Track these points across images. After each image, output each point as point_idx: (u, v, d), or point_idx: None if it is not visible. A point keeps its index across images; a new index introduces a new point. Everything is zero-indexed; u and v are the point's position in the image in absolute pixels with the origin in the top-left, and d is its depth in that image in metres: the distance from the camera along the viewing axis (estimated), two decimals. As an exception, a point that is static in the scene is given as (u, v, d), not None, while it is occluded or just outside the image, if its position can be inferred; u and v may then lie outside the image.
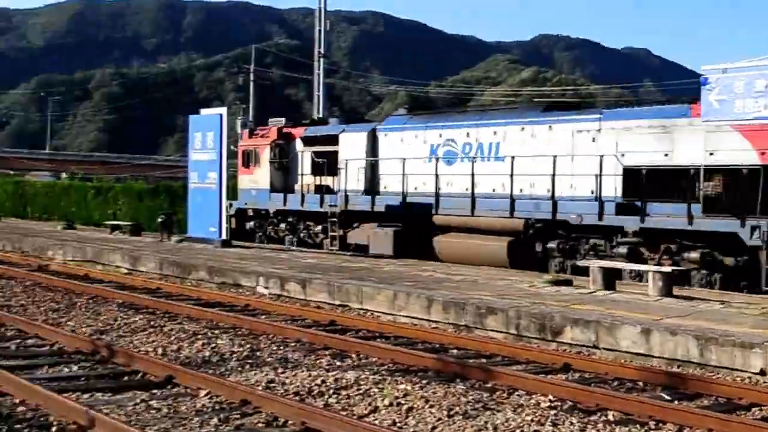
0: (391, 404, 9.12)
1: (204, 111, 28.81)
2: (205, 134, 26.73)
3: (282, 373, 10.55)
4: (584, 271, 18.36)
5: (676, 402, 9.53)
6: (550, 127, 22.21)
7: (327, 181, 28.54)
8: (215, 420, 8.33)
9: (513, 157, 22.32)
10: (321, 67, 45.01)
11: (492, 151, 23.44)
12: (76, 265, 23.28)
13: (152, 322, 14.31)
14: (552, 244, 21.41)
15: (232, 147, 31.27)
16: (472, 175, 23.39)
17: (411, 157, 25.25)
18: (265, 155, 30.43)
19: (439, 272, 19.40)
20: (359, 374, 10.48)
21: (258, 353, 11.87)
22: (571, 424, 8.62)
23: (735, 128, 18.14)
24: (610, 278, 16.60)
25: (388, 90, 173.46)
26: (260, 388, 9.62)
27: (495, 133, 23.47)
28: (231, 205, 30.20)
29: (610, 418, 8.94)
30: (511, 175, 22.27)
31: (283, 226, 30.06)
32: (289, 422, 8.23)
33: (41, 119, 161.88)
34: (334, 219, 27.13)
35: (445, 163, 24.54)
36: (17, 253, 27.12)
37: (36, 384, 9.24)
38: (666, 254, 19.27)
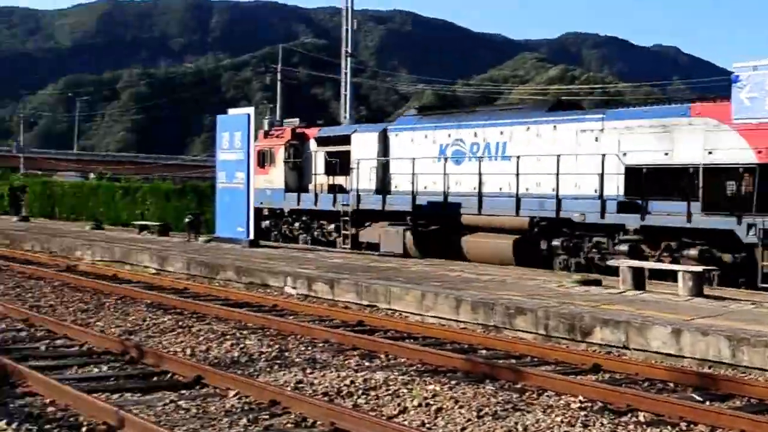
0: (420, 405, 9.09)
1: (231, 111, 28.84)
2: (233, 134, 26.78)
3: (310, 373, 10.54)
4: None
5: (707, 403, 9.46)
6: (554, 126, 22.50)
7: (340, 180, 28.94)
8: (244, 420, 8.33)
9: (518, 157, 22.64)
10: (348, 66, 44.91)
11: (499, 151, 23.73)
12: (105, 266, 23.36)
13: (180, 323, 14.34)
14: (556, 242, 21.71)
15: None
16: (479, 174, 23.72)
17: (421, 157, 25.54)
18: (280, 155, 30.87)
19: (467, 272, 19.34)
20: (388, 375, 10.45)
21: (286, 354, 11.85)
22: (602, 425, 8.57)
23: (733, 127, 18.43)
24: (640, 278, 16.51)
25: (415, 89, 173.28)
26: (289, 388, 9.61)
27: (502, 132, 23.75)
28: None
29: (641, 419, 8.87)
30: (517, 174, 22.55)
31: (297, 225, 30.46)
32: (318, 423, 8.21)
33: (69, 119, 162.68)
34: (347, 218, 27.46)
35: (454, 163, 24.84)
36: (46, 253, 27.23)
37: (66, 384, 9.26)
38: (666, 251, 19.54)
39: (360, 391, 9.65)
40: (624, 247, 20.06)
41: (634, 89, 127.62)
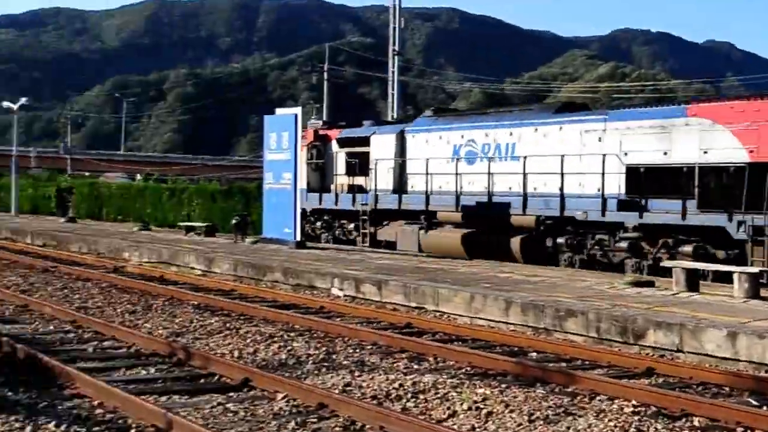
0: (469, 408, 8.98)
1: (279, 111, 28.85)
2: (280, 134, 26.75)
3: (358, 376, 10.46)
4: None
5: (764, 408, 9.27)
6: (560, 127, 23.01)
7: (359, 180, 29.52)
8: (292, 424, 8.27)
9: (525, 157, 23.27)
10: (395, 65, 44.89)
11: (508, 151, 24.29)
12: (151, 267, 23.42)
13: (228, 324, 14.30)
14: (561, 240, 22.27)
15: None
16: (489, 174, 24.32)
17: (436, 157, 26.13)
18: (303, 156, 30.77)
19: (517, 274, 19.18)
20: (437, 378, 10.34)
21: (334, 356, 11.79)
22: (656, 430, 8.44)
23: (726, 127, 19.08)
24: (694, 279, 16.29)
25: (462, 87, 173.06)
26: (337, 391, 9.54)
27: (511, 133, 24.32)
28: None
29: (696, 424, 8.71)
30: (524, 174, 23.17)
31: (319, 224, 30.94)
32: (367, 426, 8.15)
33: (116, 120, 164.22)
34: (365, 217, 28.29)
35: (467, 163, 25.46)
36: (93, 254, 27.37)
37: (114, 386, 9.25)
38: (663, 248, 20.09)
39: (409, 395, 9.55)
40: (624, 244, 20.81)
41: (686, 86, 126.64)
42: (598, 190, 21.33)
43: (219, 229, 33.99)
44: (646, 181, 20.37)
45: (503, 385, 10.04)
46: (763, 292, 15.60)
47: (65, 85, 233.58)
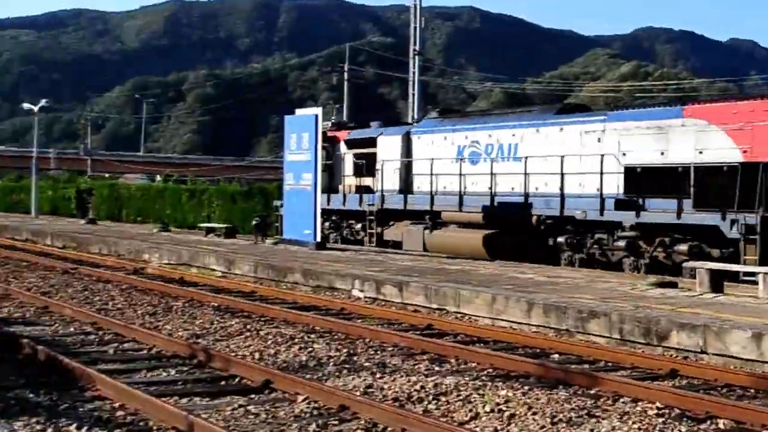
0: (492, 411, 8.91)
1: (299, 111, 28.86)
2: (301, 135, 26.74)
3: (380, 378, 10.40)
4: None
5: (791, 410, 9.15)
6: (561, 128, 23.50)
7: (367, 181, 30.07)
8: (314, 426, 8.22)
9: (526, 158, 23.77)
10: (416, 64, 44.81)
11: (511, 152, 24.79)
12: (171, 268, 23.45)
13: (248, 326, 14.26)
14: (561, 239, 22.63)
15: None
16: (491, 174, 24.75)
17: (441, 158, 26.65)
18: None
19: (539, 275, 19.10)
20: (458, 380, 10.27)
21: (355, 358, 11.74)
22: (680, 432, 8.34)
23: (721, 128, 19.59)
24: (718, 280, 16.18)
25: (483, 87, 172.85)
26: (358, 393, 9.49)
27: (513, 135, 24.84)
28: (282, 204, 31.39)
29: (721, 426, 8.63)
30: (525, 174, 23.66)
31: (327, 224, 31.12)
32: (389, 429, 8.10)
33: (136, 122, 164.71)
34: (372, 217, 28.73)
35: (471, 164, 25.96)
36: (113, 256, 27.40)
37: (135, 388, 9.22)
38: (660, 247, 20.53)
39: (430, 397, 9.48)
40: (622, 243, 21.20)
41: (709, 85, 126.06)
42: (598, 190, 21.72)
43: (239, 230, 34.02)
44: (644, 181, 20.73)
45: (526, 387, 9.96)
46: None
47: (85, 87, 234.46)
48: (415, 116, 42.08)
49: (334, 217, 31.22)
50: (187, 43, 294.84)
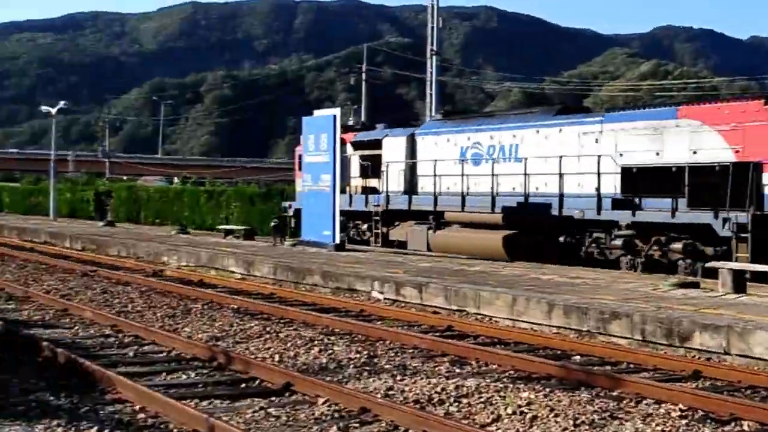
0: (514, 413, 8.87)
1: (317, 112, 28.85)
2: (319, 136, 26.71)
3: (400, 380, 10.37)
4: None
5: (816, 412, 9.06)
6: (560, 129, 23.95)
7: (372, 182, 30.62)
8: (334, 428, 8.22)
9: (526, 159, 24.23)
10: (433, 65, 44.71)
11: (512, 153, 25.24)
12: (190, 271, 23.44)
13: (268, 328, 14.25)
14: (560, 239, 23.04)
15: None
16: (493, 175, 25.13)
17: (444, 159, 27.07)
18: None
19: (559, 276, 19.03)
20: (480, 382, 10.23)
21: (375, 360, 11.71)
22: (705, 434, 8.29)
23: (714, 128, 20.09)
24: (741, 281, 16.07)
25: (501, 87, 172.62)
26: (379, 395, 9.46)
27: (514, 136, 25.31)
28: (290, 206, 33.04)
29: (746, 428, 8.58)
30: (525, 175, 24.07)
31: None
32: (410, 431, 8.08)
33: (153, 124, 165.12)
34: (377, 218, 29.13)
35: (473, 165, 26.42)
36: (132, 258, 27.42)
37: (155, 391, 9.22)
38: (656, 245, 20.90)
39: (452, 399, 9.45)
40: (618, 242, 21.54)
41: (729, 83, 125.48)
42: (596, 190, 22.09)
43: (258, 231, 34.02)
44: (640, 181, 20.96)
45: (547, 389, 9.91)
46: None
47: (103, 89, 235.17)
48: (433, 117, 41.99)
49: (341, 218, 31.22)
50: (205, 44, 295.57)
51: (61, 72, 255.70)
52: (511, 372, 10.98)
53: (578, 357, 12.18)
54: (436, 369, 11.11)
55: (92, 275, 22.24)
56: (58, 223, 44.15)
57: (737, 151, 19.42)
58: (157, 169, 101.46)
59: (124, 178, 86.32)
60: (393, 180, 28.99)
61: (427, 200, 27.20)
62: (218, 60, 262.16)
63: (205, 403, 9.16)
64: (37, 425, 8.15)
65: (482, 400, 9.40)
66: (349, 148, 31.50)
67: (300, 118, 29.47)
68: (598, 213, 21.86)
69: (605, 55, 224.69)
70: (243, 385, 10.05)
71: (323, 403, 9.08)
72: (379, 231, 29.18)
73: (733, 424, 8.66)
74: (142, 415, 8.58)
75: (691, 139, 20.49)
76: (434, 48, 44.68)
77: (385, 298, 17.79)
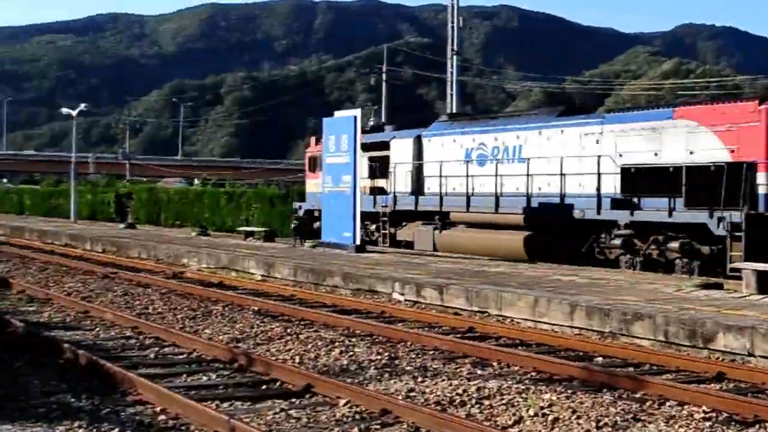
0: (536, 415, 8.82)
1: (338, 113, 28.85)
2: (339, 137, 26.69)
3: (422, 381, 10.33)
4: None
5: (842, 414, 8.98)
6: (562, 131, 24.39)
7: (381, 183, 31.09)
8: (355, 430, 8.20)
9: (528, 159, 24.68)
10: (454, 64, 44.63)
11: (516, 154, 25.65)
12: (211, 272, 23.45)
13: (288, 330, 14.22)
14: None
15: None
16: (496, 175, 25.53)
17: (450, 161, 27.55)
18: None
19: (580, 277, 18.94)
20: (501, 383, 10.19)
21: (396, 361, 11.66)
22: (729, 437, 8.22)
23: (710, 129, 20.49)
24: (765, 281, 15.96)
25: (522, 87, 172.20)
26: (400, 397, 9.42)
27: (518, 137, 25.72)
28: (300, 207, 34.30)
29: (770, 430, 8.49)
30: (527, 175, 24.49)
31: None
32: (431, 432, 8.01)
33: (173, 125, 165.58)
34: (385, 218, 29.61)
35: (478, 165, 26.83)
36: (152, 260, 27.45)
37: (176, 392, 9.20)
38: (654, 244, 21.29)
39: (473, 400, 9.40)
40: (618, 241, 21.94)
41: (752, 82, 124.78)
42: (597, 190, 22.53)
43: (278, 233, 34.05)
44: (639, 181, 21.40)
45: (569, 391, 9.87)
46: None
47: (123, 91, 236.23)
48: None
49: None
50: (224, 45, 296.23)
51: (81, 74, 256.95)
52: (533, 373, 10.92)
53: (600, 358, 12.09)
54: (458, 370, 11.07)
55: (113, 277, 22.27)
56: (78, 226, 44.26)
57: (732, 151, 19.83)
58: (177, 171, 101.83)
59: (144, 179, 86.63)
60: (400, 181, 29.47)
61: (433, 201, 27.81)
62: (238, 61, 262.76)
63: (225, 404, 9.14)
64: (59, 426, 8.15)
65: (504, 401, 9.35)
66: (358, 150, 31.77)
67: (320, 119, 29.54)
68: (598, 213, 22.35)
69: (627, 54, 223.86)
70: (264, 387, 10.03)
71: (344, 404, 9.05)
72: (387, 231, 29.56)
73: (757, 426, 8.58)
74: (162, 417, 8.57)
75: (688, 140, 20.89)
76: (455, 48, 44.62)
77: (405, 300, 17.75)
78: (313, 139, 35.29)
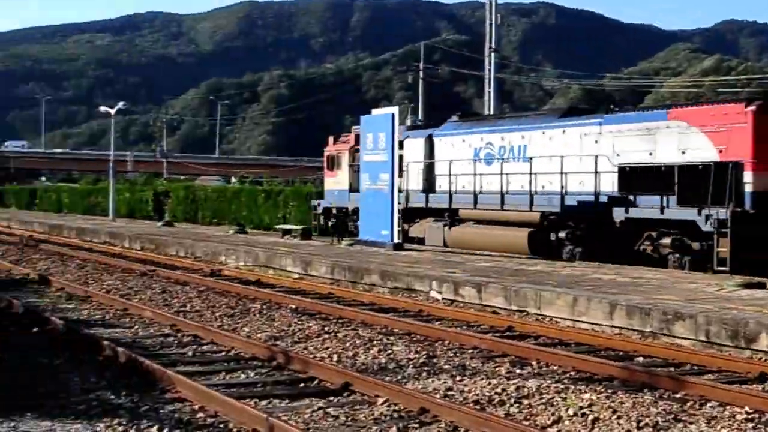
0: (575, 414, 8.76)
1: (375, 111, 28.84)
2: (377, 135, 26.68)
3: (460, 380, 10.30)
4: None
5: None
6: (563, 131, 25.13)
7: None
8: (394, 429, 8.18)
9: (531, 158, 25.17)
10: (491, 62, 44.51)
11: (521, 153, 26.35)
12: (248, 270, 23.50)
13: (326, 328, 14.22)
14: (562, 234, 23.95)
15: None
16: (501, 174, 26.10)
17: (459, 159, 28.22)
18: (345, 159, 33.91)
19: (621, 276, 18.81)
20: (540, 383, 10.14)
21: (434, 360, 11.63)
22: (772, 438, 8.14)
23: (700, 129, 21.20)
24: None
25: (560, 84, 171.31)
26: (438, 396, 9.39)
27: (523, 137, 26.45)
28: (319, 204, 35.24)
29: (813, 431, 8.38)
30: (530, 174, 24.90)
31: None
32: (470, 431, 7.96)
33: (210, 123, 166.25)
34: (399, 215, 29.26)
35: (486, 164, 27.48)
36: (190, 258, 27.58)
37: (214, 390, 9.22)
38: (648, 240, 22.00)
39: (512, 400, 9.36)
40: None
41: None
42: (595, 188, 23.26)
43: (315, 231, 34.13)
44: (635, 180, 22.15)
45: (609, 391, 9.80)
46: None
47: (160, 89, 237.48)
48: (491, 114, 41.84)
49: None
50: (262, 44, 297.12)
51: (119, 73, 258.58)
52: (572, 373, 10.86)
53: (641, 358, 12.00)
54: (496, 370, 11.02)
55: (151, 275, 22.39)
56: (117, 223, 44.53)
57: (721, 151, 20.49)
58: (214, 169, 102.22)
59: (182, 178, 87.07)
60: (413, 179, 30.10)
61: (443, 198, 28.37)
62: (275, 59, 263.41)
63: (264, 402, 9.15)
64: (98, 424, 8.19)
65: (543, 401, 9.31)
66: None
67: (357, 116, 29.59)
68: (596, 209, 23.09)
69: (667, 51, 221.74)
70: (302, 385, 10.04)
71: (382, 403, 9.04)
72: (400, 228, 29.50)
73: (801, 427, 8.46)
74: (201, 414, 8.60)
75: (680, 140, 21.59)
76: (492, 45, 44.50)
77: (443, 298, 17.71)
78: (331, 139, 35.97)
